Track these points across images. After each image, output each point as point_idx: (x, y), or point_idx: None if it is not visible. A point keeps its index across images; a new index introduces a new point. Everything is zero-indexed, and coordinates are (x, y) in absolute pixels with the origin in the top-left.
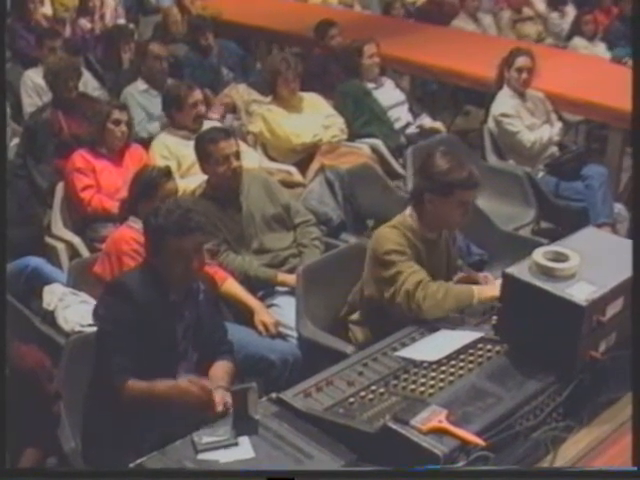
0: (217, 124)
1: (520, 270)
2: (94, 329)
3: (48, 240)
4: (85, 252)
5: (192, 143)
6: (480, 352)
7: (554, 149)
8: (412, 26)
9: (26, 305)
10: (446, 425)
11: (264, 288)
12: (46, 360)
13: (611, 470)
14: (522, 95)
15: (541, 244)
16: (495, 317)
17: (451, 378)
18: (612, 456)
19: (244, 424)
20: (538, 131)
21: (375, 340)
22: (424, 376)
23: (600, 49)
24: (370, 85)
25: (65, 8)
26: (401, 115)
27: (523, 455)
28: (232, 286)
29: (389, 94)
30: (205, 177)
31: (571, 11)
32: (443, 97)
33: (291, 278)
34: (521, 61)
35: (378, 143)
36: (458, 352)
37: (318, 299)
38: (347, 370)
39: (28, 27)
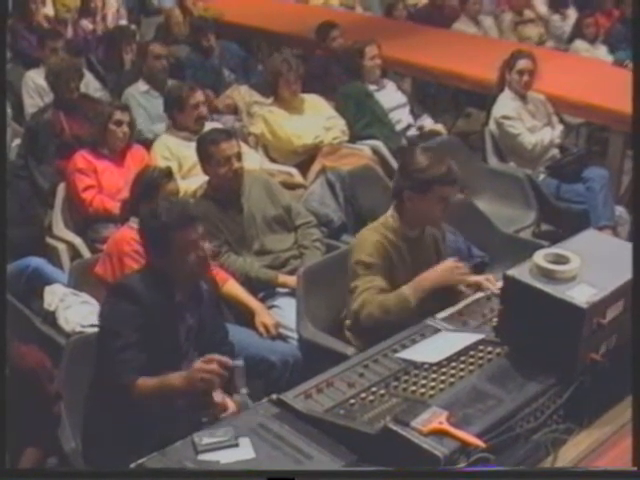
0: (219, 125)
1: (521, 272)
2: (95, 330)
3: (49, 241)
4: (86, 253)
5: (193, 144)
6: (481, 354)
7: (555, 151)
8: (413, 28)
9: (27, 305)
10: (446, 427)
11: (265, 289)
12: (47, 360)
13: (611, 470)
14: (523, 97)
15: (542, 246)
16: (496, 319)
17: (452, 380)
18: (613, 458)
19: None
20: (539, 133)
21: (371, 344)
22: (425, 378)
23: (601, 52)
24: (371, 87)
25: (67, 9)
26: (402, 117)
27: (523, 457)
28: (233, 287)
29: (390, 96)
30: (206, 178)
31: (572, 14)
32: (444, 99)
33: (292, 279)
34: (522, 63)
35: (379, 145)
36: (459, 354)
37: (319, 301)
38: (347, 371)
39: (30, 28)
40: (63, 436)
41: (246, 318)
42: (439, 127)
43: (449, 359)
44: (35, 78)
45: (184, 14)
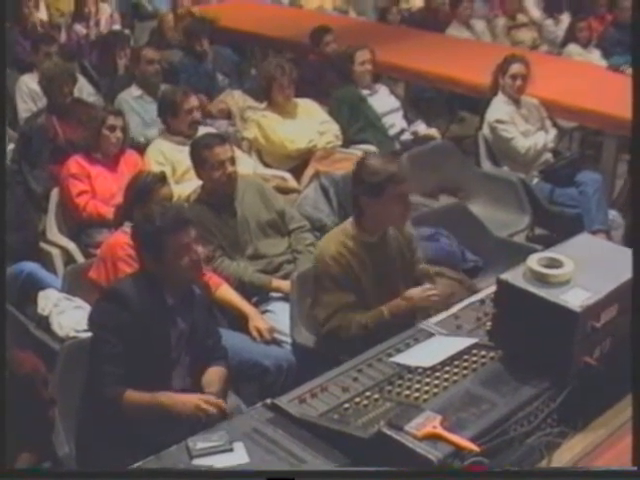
0: (212, 130)
1: (514, 276)
2: (89, 335)
3: (43, 245)
4: (80, 258)
5: (187, 149)
6: (474, 358)
7: (548, 155)
8: (407, 33)
9: (21, 310)
10: (440, 431)
11: (258, 294)
12: (41, 365)
13: (611, 470)
14: (517, 102)
15: (535, 250)
16: (490, 323)
17: (445, 384)
18: (608, 460)
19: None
20: (532, 137)
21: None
22: (418, 382)
23: (595, 56)
24: (365, 92)
25: (60, 14)
26: (396, 122)
27: (517, 460)
28: (226, 292)
29: (384, 101)
30: (200, 183)
31: (566, 18)
32: (438, 104)
33: (285, 284)
34: (515, 68)
35: (373, 149)
36: (452, 358)
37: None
38: (341, 376)
39: (24, 32)
40: (57, 441)
41: (240, 323)
42: (433, 131)
43: (443, 363)
44: (29, 83)
45: (178, 19)
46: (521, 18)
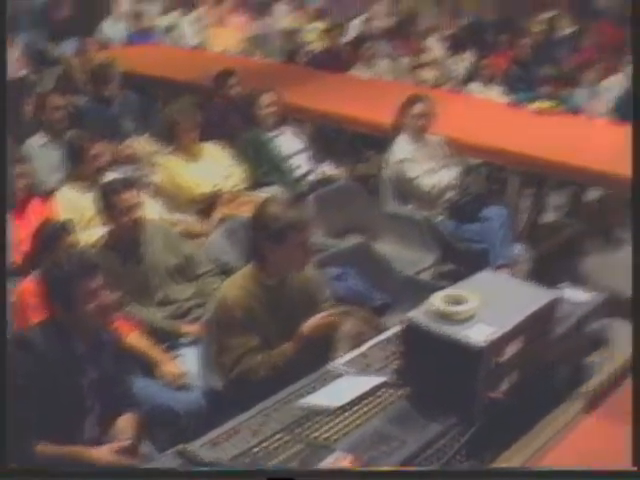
0: (118, 175)
1: (419, 315)
2: None
3: None
4: None
5: (93, 194)
6: (383, 396)
7: (453, 192)
8: (312, 74)
9: None
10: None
11: (169, 339)
12: None
13: (612, 470)
14: (420, 140)
15: (441, 287)
16: (397, 361)
17: (355, 423)
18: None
19: None
20: (437, 175)
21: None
22: (328, 422)
23: (496, 92)
24: (270, 134)
25: None
26: (302, 163)
27: None
28: (137, 338)
29: (289, 142)
30: (107, 228)
31: (469, 56)
32: (344, 144)
33: (195, 329)
34: (418, 107)
35: (279, 192)
36: (361, 397)
37: None
38: (251, 419)
39: None
40: None
41: (151, 369)
42: (338, 172)
43: (352, 403)
44: None
45: (84, 63)
46: (424, 57)
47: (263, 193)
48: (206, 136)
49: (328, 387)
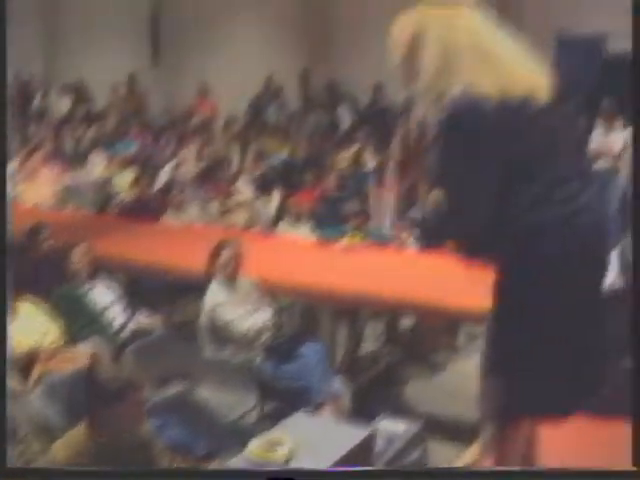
0: None
1: (238, 463)
2: None
3: None
4: None
5: None
6: None
7: (269, 333)
8: (123, 224)
9: None
10: None
11: None
12: None
13: (612, 470)
14: (232, 284)
15: (262, 430)
16: None
17: None
18: None
19: None
20: (251, 318)
21: None
22: None
23: (305, 230)
24: (83, 287)
25: None
26: (116, 315)
27: None
28: None
29: (102, 295)
30: None
31: (276, 195)
32: (158, 292)
33: None
34: (227, 253)
35: (97, 346)
36: None
37: None
38: None
39: None
40: None
41: None
42: (155, 321)
43: None
44: None
45: None
46: (234, 199)
47: (83, 348)
48: (21, 292)
49: None
